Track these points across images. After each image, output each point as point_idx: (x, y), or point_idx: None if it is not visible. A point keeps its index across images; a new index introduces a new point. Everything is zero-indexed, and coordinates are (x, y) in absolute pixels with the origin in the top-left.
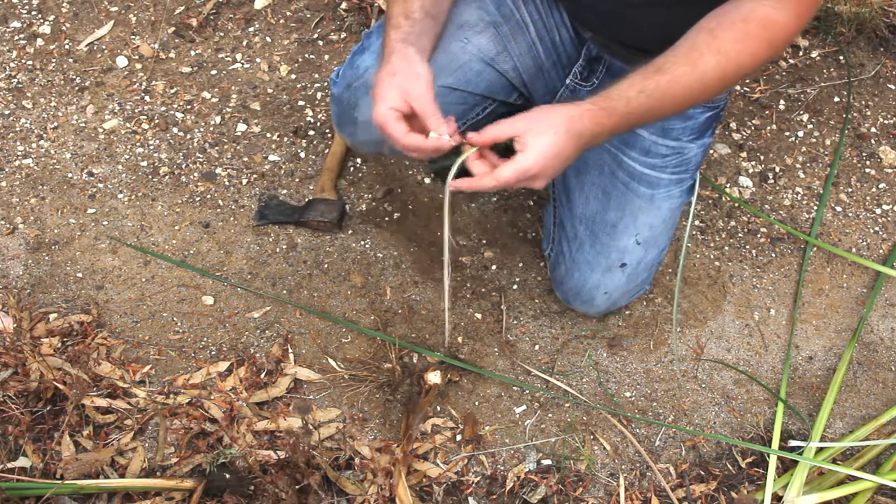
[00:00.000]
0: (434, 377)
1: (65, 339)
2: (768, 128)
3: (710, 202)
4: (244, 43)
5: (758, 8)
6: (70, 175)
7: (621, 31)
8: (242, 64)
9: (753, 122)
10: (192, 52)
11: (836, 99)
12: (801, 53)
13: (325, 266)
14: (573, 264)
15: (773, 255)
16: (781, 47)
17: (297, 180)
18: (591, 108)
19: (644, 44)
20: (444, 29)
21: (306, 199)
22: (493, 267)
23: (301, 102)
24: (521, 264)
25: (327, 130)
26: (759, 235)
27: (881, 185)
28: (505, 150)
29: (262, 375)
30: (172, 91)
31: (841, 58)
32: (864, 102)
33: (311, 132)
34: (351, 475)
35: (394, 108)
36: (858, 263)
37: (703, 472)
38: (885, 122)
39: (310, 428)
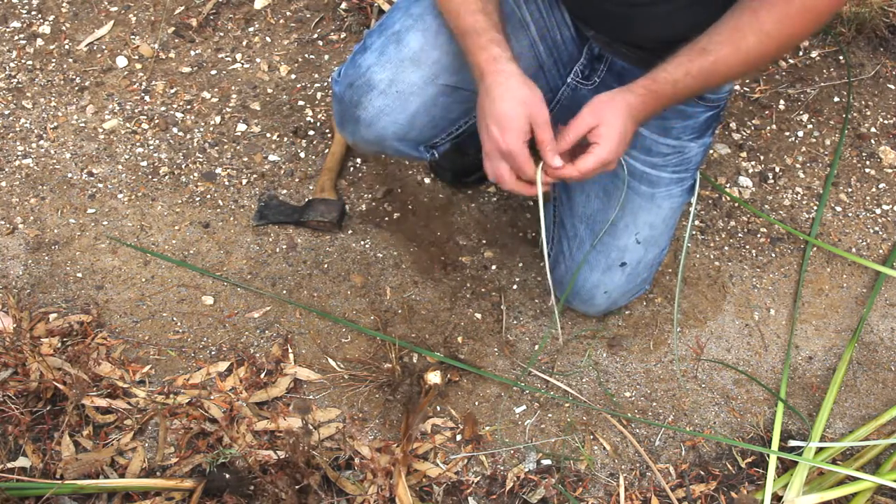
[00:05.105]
0: (434, 377)
1: (65, 339)
2: (768, 128)
3: (710, 202)
4: (244, 43)
5: None
6: (70, 175)
7: (625, 31)
8: (242, 64)
9: (753, 122)
10: (192, 52)
11: (836, 99)
12: (800, 53)
13: (325, 266)
14: (573, 263)
15: (773, 255)
16: (824, 22)
17: (296, 180)
18: (644, 93)
19: (647, 43)
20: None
21: (306, 199)
22: (493, 267)
23: (301, 102)
24: (521, 264)
25: (327, 130)
26: (759, 235)
27: (881, 185)
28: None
29: (262, 375)
30: (172, 91)
31: (841, 58)
32: (864, 102)
33: (311, 132)
34: (351, 475)
35: (525, 140)
36: (858, 263)
37: (702, 472)
38: (885, 122)
39: (310, 428)
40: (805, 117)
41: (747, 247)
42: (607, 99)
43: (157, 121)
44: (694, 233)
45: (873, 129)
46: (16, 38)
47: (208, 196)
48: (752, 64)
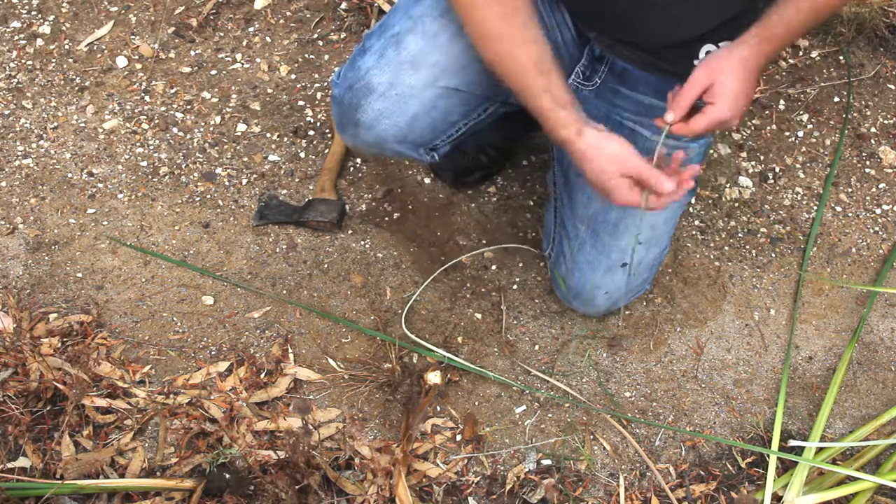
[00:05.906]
0: (434, 377)
1: (65, 339)
2: (768, 128)
3: (710, 202)
4: (244, 43)
5: None
6: (70, 175)
7: (624, 32)
8: (242, 64)
9: (753, 122)
10: (192, 52)
11: (836, 99)
12: (801, 53)
13: (325, 266)
14: (574, 264)
15: (773, 255)
16: None
17: (297, 180)
18: (758, 41)
19: (648, 44)
20: (449, 30)
21: (306, 199)
22: (493, 267)
23: (301, 102)
24: (521, 264)
25: (327, 130)
26: (759, 235)
27: (881, 185)
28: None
29: (262, 375)
30: (172, 91)
31: (841, 58)
32: (864, 102)
33: (311, 132)
34: (351, 475)
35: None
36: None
37: (702, 473)
38: (885, 122)
39: (310, 428)
40: (805, 117)
41: (747, 247)
42: (720, 56)
43: (157, 121)
44: (694, 233)
45: (873, 129)
46: (16, 38)
47: (208, 196)
48: None
